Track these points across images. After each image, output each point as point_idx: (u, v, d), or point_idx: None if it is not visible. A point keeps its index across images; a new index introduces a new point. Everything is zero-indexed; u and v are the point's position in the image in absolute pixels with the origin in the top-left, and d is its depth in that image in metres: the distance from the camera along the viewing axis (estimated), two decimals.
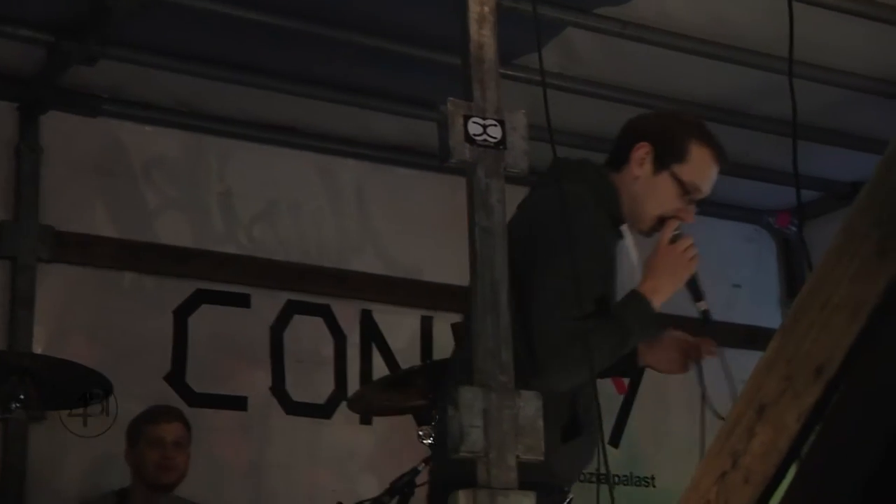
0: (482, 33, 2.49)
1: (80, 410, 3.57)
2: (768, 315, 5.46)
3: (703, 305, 2.87)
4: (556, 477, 2.70)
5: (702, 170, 2.87)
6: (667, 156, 2.85)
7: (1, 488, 3.91)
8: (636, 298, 2.76)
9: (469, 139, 2.37)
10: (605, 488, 3.70)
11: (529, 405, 2.23)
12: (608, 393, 4.95)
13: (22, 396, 3.31)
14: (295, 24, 3.87)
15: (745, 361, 5.31)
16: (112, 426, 4.08)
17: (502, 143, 2.41)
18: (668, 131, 2.90)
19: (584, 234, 2.67)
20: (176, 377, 4.38)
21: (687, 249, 2.79)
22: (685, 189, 2.84)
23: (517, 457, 2.17)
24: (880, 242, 1.47)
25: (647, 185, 2.85)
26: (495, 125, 2.39)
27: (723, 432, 1.63)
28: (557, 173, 2.72)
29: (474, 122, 2.38)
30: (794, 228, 5.50)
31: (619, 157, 2.91)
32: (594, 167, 2.93)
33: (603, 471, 3.94)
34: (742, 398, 1.65)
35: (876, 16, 3.82)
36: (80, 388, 3.53)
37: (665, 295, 2.79)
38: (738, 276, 5.57)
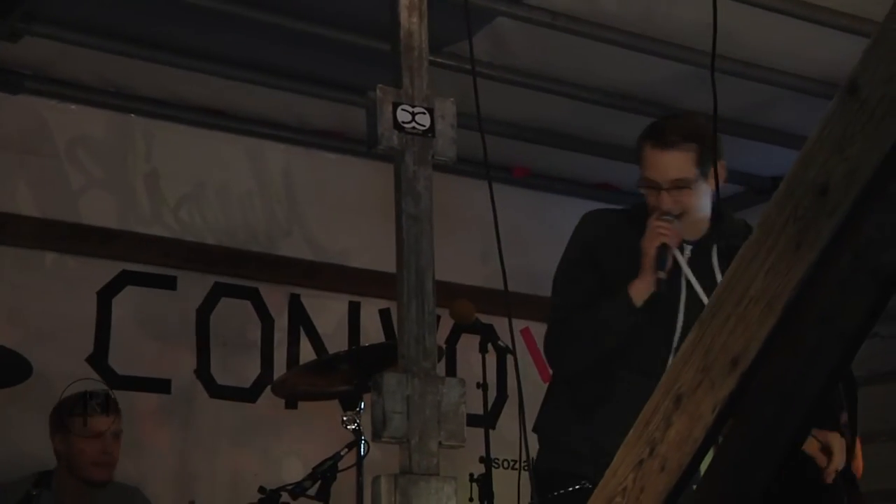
0: (412, 21, 2.48)
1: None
2: None
3: (660, 275, 2.97)
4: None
5: (645, 162, 3.06)
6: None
7: None
8: (620, 292, 2.98)
9: (398, 126, 2.37)
10: (525, 475, 3.74)
11: (453, 391, 2.24)
12: (533, 379, 4.98)
13: None
14: (225, 7, 3.82)
15: None
16: (31, 408, 4.04)
17: (430, 130, 2.42)
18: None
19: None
20: (98, 359, 4.32)
21: (656, 226, 2.96)
22: (647, 185, 3.03)
23: (439, 443, 2.18)
24: (797, 236, 1.50)
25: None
26: (424, 113, 2.39)
27: (641, 421, 1.65)
28: None
29: (403, 110, 2.38)
30: None
31: None
32: None
33: (525, 459, 4.01)
34: (660, 388, 1.67)
35: (799, 14, 3.88)
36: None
37: (643, 275, 2.97)
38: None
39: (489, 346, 4.06)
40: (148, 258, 4.52)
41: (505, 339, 3.89)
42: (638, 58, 4.23)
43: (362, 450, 3.44)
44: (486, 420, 4.03)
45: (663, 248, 2.97)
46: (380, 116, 2.35)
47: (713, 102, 2.40)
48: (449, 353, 4.89)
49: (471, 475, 3.68)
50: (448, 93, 2.54)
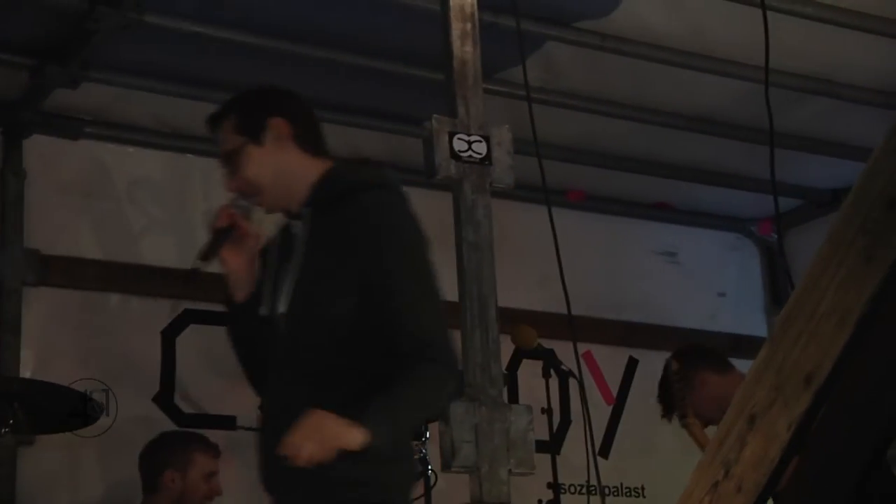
0: (465, 50, 2.51)
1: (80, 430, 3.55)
2: (753, 323, 5.48)
3: (196, 264, 2.74)
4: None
5: None
6: None
7: None
8: None
9: (454, 155, 2.38)
10: (595, 499, 3.71)
11: (520, 418, 2.24)
12: (596, 402, 4.96)
13: (11, 421, 3.28)
14: (275, 44, 3.88)
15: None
16: (103, 449, 4.09)
17: (487, 158, 2.43)
18: None
19: None
20: (164, 398, 4.36)
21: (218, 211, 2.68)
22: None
23: (509, 471, 2.18)
24: (866, 250, 1.47)
25: None
26: (480, 141, 2.41)
27: (714, 442, 1.63)
28: None
29: (459, 139, 2.40)
30: (775, 236, 5.53)
31: None
32: None
33: (593, 482, 3.97)
34: (732, 409, 1.65)
35: (856, 25, 3.85)
36: (69, 410, 3.51)
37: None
38: (723, 284, 5.58)
39: (551, 370, 4.04)
40: (210, 296, 4.55)
41: (567, 363, 3.88)
42: (690, 76, 4.22)
43: (430, 480, 3.43)
44: (552, 446, 4.00)
45: (219, 233, 2.67)
46: (437, 146, 2.37)
47: (768, 117, 2.39)
48: (511, 379, 4.87)
49: (539, 501, 3.66)
50: (501, 119, 2.55)
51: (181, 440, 3.99)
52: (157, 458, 3.93)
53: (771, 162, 2.98)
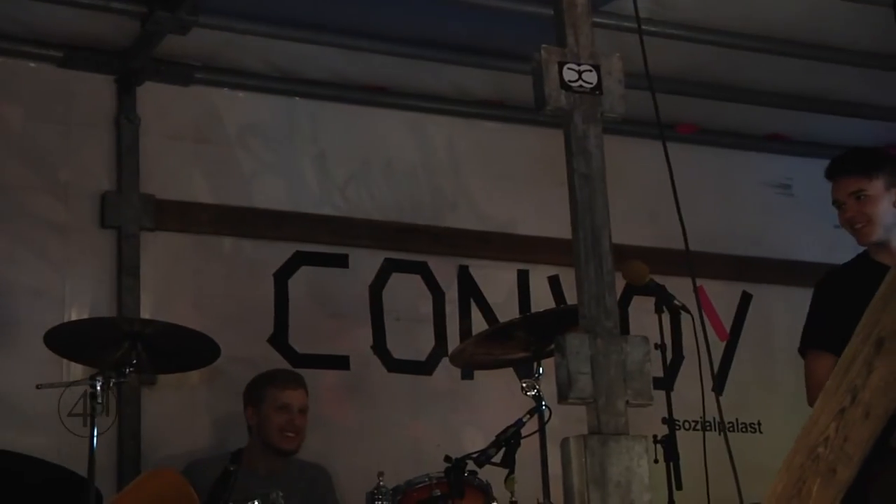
0: None
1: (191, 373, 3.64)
2: None
3: None
4: None
5: None
6: None
7: (119, 449, 4.02)
8: None
9: (564, 86, 2.35)
10: (711, 434, 3.68)
11: (637, 350, 2.23)
12: (710, 338, 4.90)
13: (134, 361, 3.39)
14: None
15: None
16: (220, 388, 4.20)
17: (598, 88, 2.40)
18: None
19: None
20: (279, 339, 4.45)
21: None
22: None
23: (626, 402, 2.17)
24: None
25: None
26: (590, 70, 2.38)
27: (840, 369, 1.61)
28: None
29: (569, 69, 2.37)
30: None
31: None
32: None
33: (708, 418, 3.94)
34: (858, 334, 1.62)
35: None
36: (188, 351, 3.61)
37: None
38: None
39: (663, 306, 3.99)
40: (319, 238, 4.62)
41: (681, 299, 3.84)
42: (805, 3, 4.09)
43: (544, 415, 3.45)
44: (666, 382, 3.98)
45: None
46: (546, 77, 2.34)
47: None
48: (622, 316, 4.85)
49: (654, 436, 3.64)
50: (609, 53, 2.51)
51: (258, 378, 4.05)
52: (244, 396, 4.03)
53: None
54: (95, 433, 3.23)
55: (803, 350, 3.29)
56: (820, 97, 4.92)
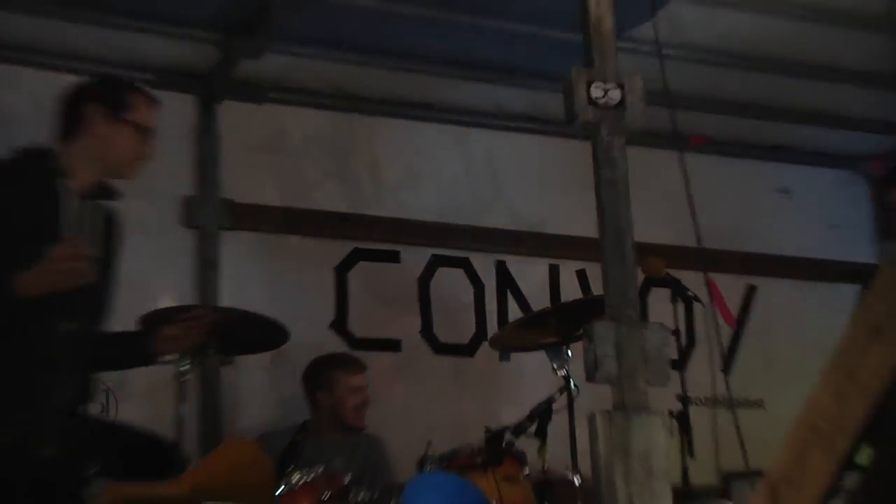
0: (600, 8, 2.46)
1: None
2: (865, 252, 5.30)
3: None
4: None
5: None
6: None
7: (201, 421, 4.06)
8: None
9: (592, 102, 2.34)
10: (720, 410, 3.66)
11: (655, 335, 2.22)
12: (719, 326, 4.90)
13: (214, 344, 3.41)
14: (429, 12, 3.89)
15: (844, 293, 5.19)
16: (288, 368, 4.23)
17: (622, 104, 2.38)
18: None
19: None
20: (339, 324, 4.48)
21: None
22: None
23: (647, 381, 2.16)
24: None
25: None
26: (615, 88, 2.36)
27: (838, 351, 1.59)
28: None
29: (596, 87, 2.36)
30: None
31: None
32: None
33: (717, 396, 3.92)
34: (853, 321, 1.61)
35: None
36: (261, 335, 3.63)
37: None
38: (836, 217, 5.42)
39: (678, 297, 3.97)
40: (374, 236, 4.64)
41: (694, 290, 3.82)
42: (806, 28, 4.05)
43: (573, 392, 3.44)
44: (679, 364, 3.96)
45: None
46: (576, 94, 2.33)
47: None
48: (641, 306, 4.81)
49: (670, 411, 3.63)
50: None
51: (325, 363, 4.06)
52: (309, 381, 4.05)
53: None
54: (182, 407, 3.26)
55: None
56: (818, 111, 4.88)
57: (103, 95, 2.91)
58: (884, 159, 5.28)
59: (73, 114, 2.89)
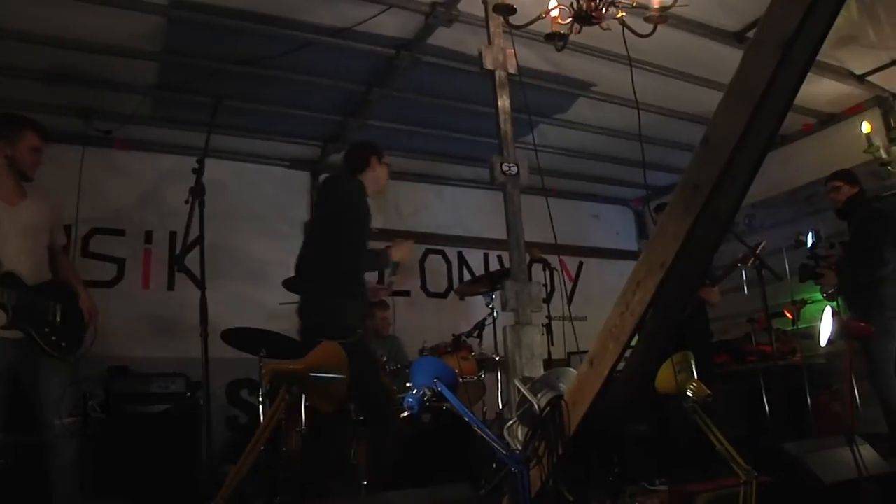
0: (506, 126, 2.46)
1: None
2: (633, 245, 5.28)
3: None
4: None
5: None
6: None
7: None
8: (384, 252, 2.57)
9: (503, 172, 2.35)
10: (566, 322, 3.57)
11: (535, 288, 2.19)
12: (566, 281, 4.85)
13: None
14: (434, 132, 3.77)
15: (623, 265, 4.99)
16: None
17: (517, 174, 2.40)
18: None
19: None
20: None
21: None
22: None
23: (531, 310, 2.14)
24: (698, 188, 1.40)
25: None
26: (514, 166, 2.38)
27: (625, 290, 1.57)
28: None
29: (505, 165, 2.37)
30: (641, 208, 5.32)
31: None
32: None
33: (564, 315, 3.82)
34: (630, 280, 1.60)
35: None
36: None
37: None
38: (619, 228, 5.37)
39: (545, 268, 3.87)
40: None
41: (553, 264, 3.76)
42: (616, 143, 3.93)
43: (495, 316, 3.39)
44: (547, 300, 3.80)
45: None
46: (495, 169, 2.35)
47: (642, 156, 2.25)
48: (528, 272, 4.64)
49: (542, 325, 3.47)
50: (521, 158, 2.47)
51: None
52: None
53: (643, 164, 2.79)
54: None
55: None
56: (607, 177, 4.74)
57: None
58: (638, 200, 5.27)
59: None
